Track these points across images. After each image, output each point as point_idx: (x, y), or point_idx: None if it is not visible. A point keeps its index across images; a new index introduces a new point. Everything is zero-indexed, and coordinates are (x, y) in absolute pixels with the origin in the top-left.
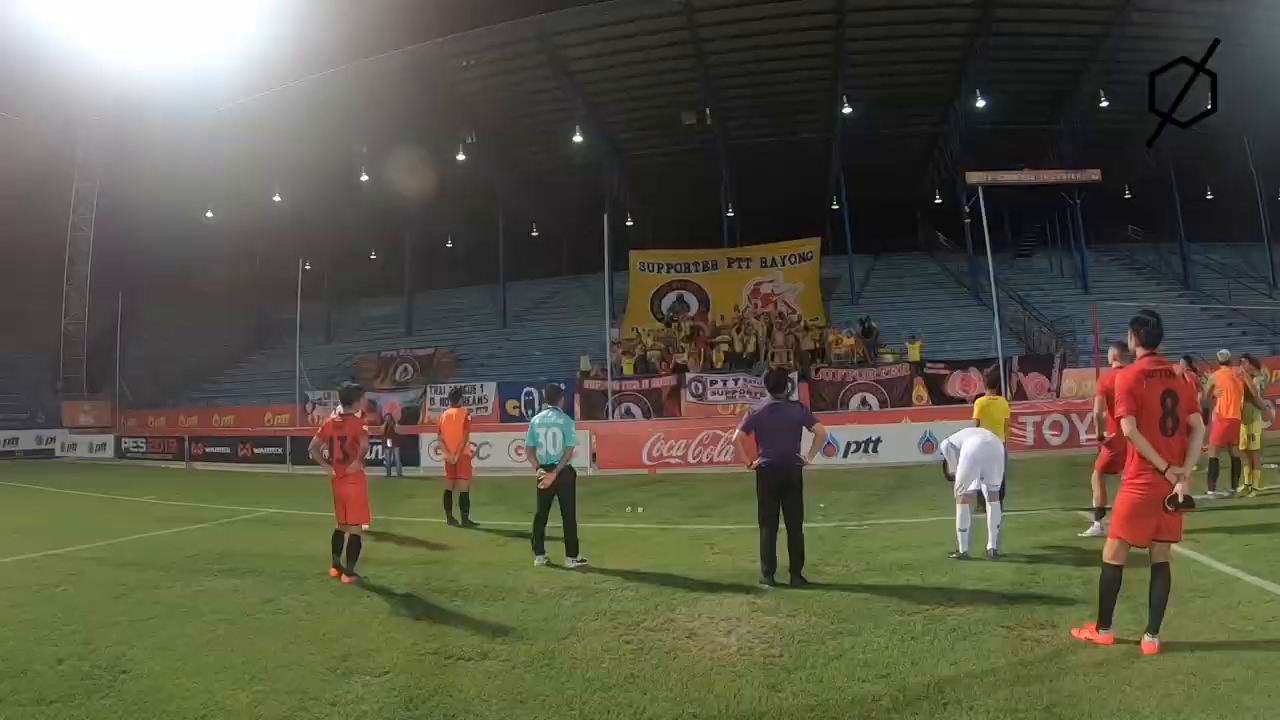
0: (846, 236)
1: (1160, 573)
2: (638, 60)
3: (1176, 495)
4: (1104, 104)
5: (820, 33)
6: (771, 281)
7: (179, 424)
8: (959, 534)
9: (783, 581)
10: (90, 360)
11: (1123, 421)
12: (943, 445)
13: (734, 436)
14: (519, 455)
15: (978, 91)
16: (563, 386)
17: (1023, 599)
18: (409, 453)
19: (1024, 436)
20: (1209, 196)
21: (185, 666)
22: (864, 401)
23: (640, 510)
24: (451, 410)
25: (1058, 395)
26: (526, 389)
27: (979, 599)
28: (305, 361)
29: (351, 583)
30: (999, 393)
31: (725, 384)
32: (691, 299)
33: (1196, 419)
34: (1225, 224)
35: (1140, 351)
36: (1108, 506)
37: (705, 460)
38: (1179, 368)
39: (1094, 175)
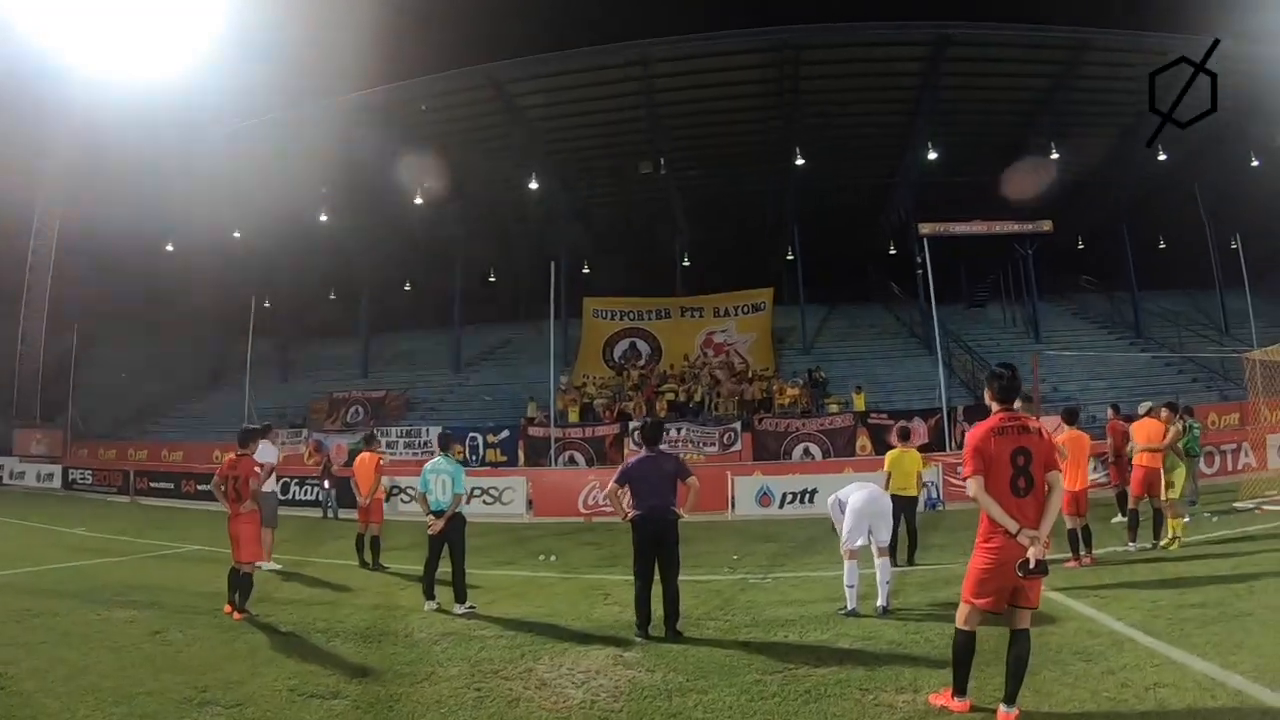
0: (799, 287)
1: (1018, 639)
2: (593, 109)
3: (1028, 560)
4: (1054, 155)
5: (772, 84)
6: (724, 331)
7: (129, 457)
8: (846, 590)
9: (658, 635)
10: (45, 389)
11: (969, 482)
12: (830, 501)
13: (607, 489)
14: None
15: (929, 143)
16: (452, 433)
17: (895, 659)
18: (347, 494)
19: (964, 486)
20: (1161, 246)
21: (58, 688)
22: (807, 451)
23: (553, 559)
24: (364, 454)
25: None
26: (471, 434)
27: (849, 658)
28: (260, 400)
29: (243, 620)
30: (910, 445)
31: (668, 433)
32: (644, 347)
33: (1055, 477)
34: (1177, 273)
35: (995, 406)
36: None
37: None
38: (1035, 422)
39: (1045, 226)
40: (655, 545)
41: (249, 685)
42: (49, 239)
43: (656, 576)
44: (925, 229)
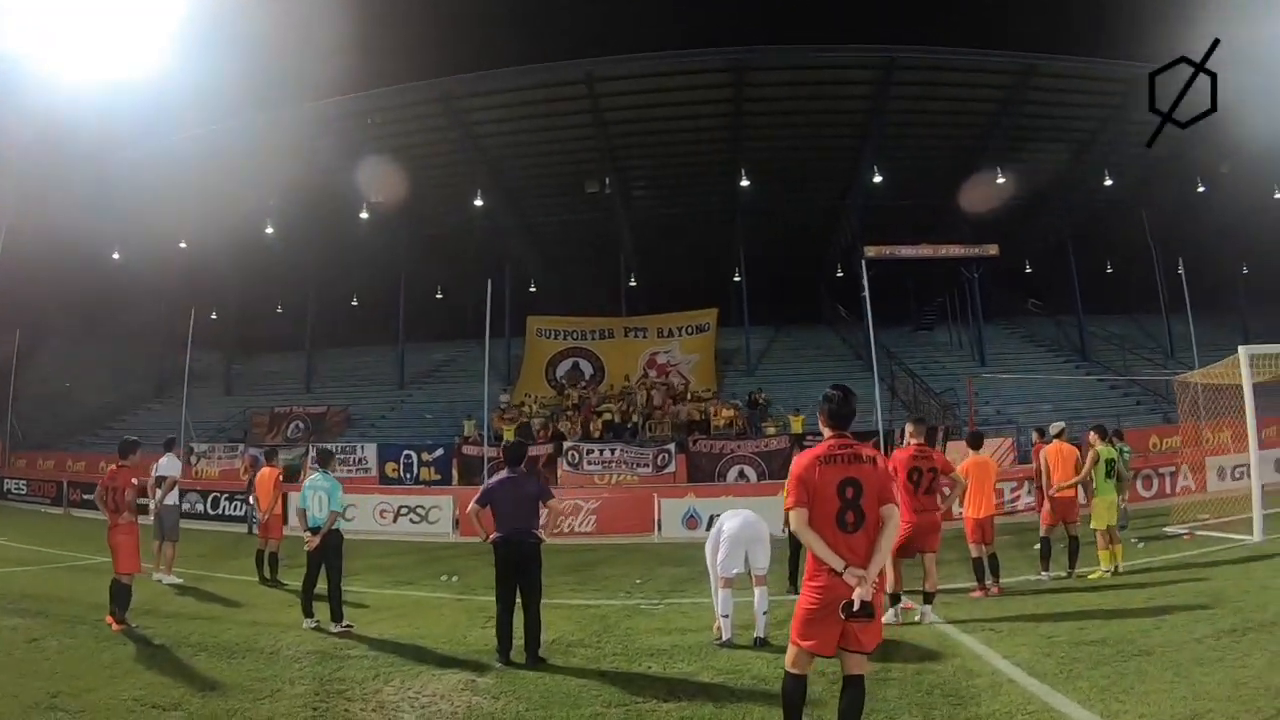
0: (744, 308)
1: (850, 686)
2: (541, 127)
3: (851, 601)
4: (1001, 179)
5: (719, 106)
6: (668, 352)
7: (66, 468)
8: (721, 620)
9: (519, 661)
10: None
11: (790, 515)
12: (708, 546)
13: (469, 509)
14: (383, 518)
15: (876, 167)
16: (333, 450)
17: (752, 696)
18: None
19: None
20: (1108, 270)
21: None
22: (742, 474)
23: (454, 579)
24: (265, 469)
25: None
26: (406, 452)
27: (703, 694)
28: (203, 413)
29: (121, 631)
30: None
31: (602, 453)
32: (587, 367)
33: (889, 510)
34: (1124, 297)
35: (826, 432)
36: (900, 591)
37: (566, 530)
38: (870, 450)
39: (991, 250)
40: (516, 570)
41: (99, 693)
42: None
43: (520, 601)
44: (870, 252)
